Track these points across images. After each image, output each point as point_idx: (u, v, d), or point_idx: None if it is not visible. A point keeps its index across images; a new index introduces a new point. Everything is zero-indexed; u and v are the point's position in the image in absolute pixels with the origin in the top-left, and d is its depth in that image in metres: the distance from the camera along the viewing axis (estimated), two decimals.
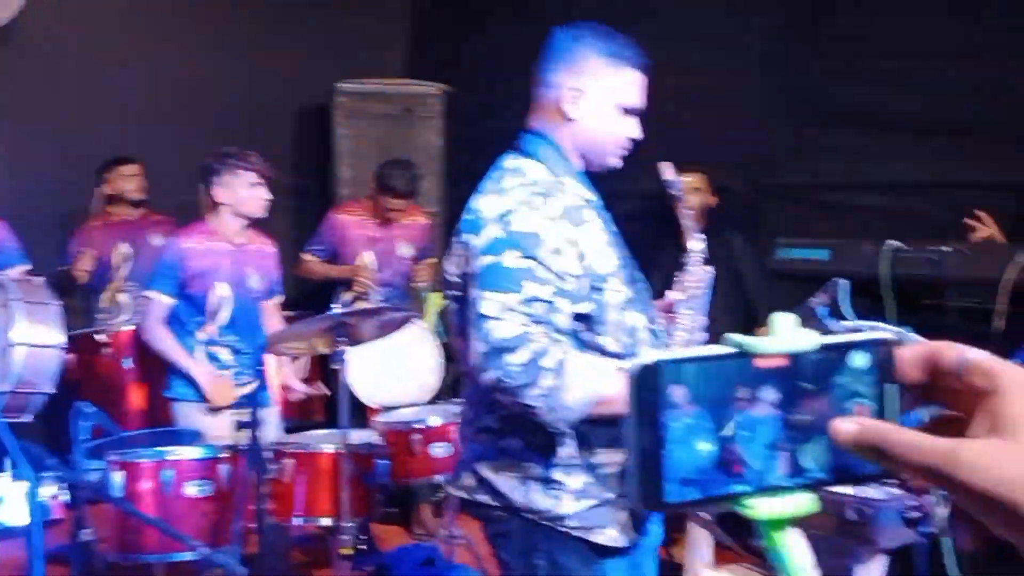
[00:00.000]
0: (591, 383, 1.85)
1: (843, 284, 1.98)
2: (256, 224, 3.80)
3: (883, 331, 0.67)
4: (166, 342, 3.60)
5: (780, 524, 0.66)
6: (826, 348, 0.65)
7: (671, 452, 0.62)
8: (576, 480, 1.96)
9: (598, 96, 2.01)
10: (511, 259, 1.88)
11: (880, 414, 0.66)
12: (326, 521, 3.22)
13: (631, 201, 2.21)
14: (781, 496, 0.65)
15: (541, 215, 1.91)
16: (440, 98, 5.46)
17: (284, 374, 3.94)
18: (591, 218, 2.01)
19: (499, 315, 1.85)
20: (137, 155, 4.91)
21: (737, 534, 3.37)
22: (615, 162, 2.07)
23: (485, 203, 1.97)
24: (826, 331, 2.12)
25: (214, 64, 5.52)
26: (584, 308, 1.94)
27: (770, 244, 3.84)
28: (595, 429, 1.94)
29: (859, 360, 0.66)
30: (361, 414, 4.21)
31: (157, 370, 4.11)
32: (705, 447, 0.63)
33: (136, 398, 4.50)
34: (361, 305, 4.48)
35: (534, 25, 2.25)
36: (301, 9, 5.80)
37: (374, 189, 4.66)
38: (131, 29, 5.36)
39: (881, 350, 0.66)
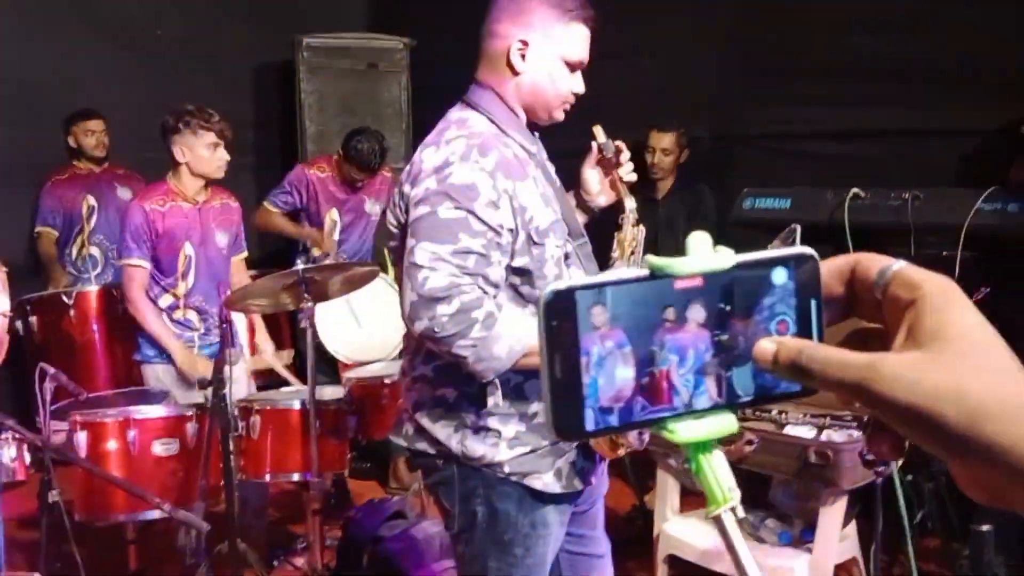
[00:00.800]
0: (519, 335, 1.88)
1: (797, 229, 1.99)
2: (222, 181, 3.76)
3: (801, 248, 0.66)
4: (147, 314, 3.56)
5: (705, 447, 0.67)
6: (744, 266, 0.64)
7: (590, 379, 0.61)
8: (510, 428, 1.99)
9: (544, 49, 2.00)
10: (446, 210, 1.89)
11: (802, 330, 0.66)
12: (297, 477, 3.23)
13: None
14: (704, 418, 0.65)
15: (478, 167, 1.91)
16: (404, 52, 5.40)
17: (259, 335, 3.93)
18: (532, 172, 2.01)
19: (431, 265, 1.87)
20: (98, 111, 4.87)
21: None
22: (559, 116, 2.06)
23: (426, 154, 1.97)
24: None
25: (175, 20, 5.43)
26: (521, 262, 1.96)
27: (734, 194, 3.86)
28: (529, 380, 1.98)
29: (779, 277, 0.66)
30: (334, 371, 4.22)
31: (125, 332, 4.10)
32: (627, 373, 0.62)
33: (105, 360, 4.50)
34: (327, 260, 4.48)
35: None
36: None
37: (340, 156, 4.62)
38: None
39: (801, 266, 0.65)
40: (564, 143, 2.28)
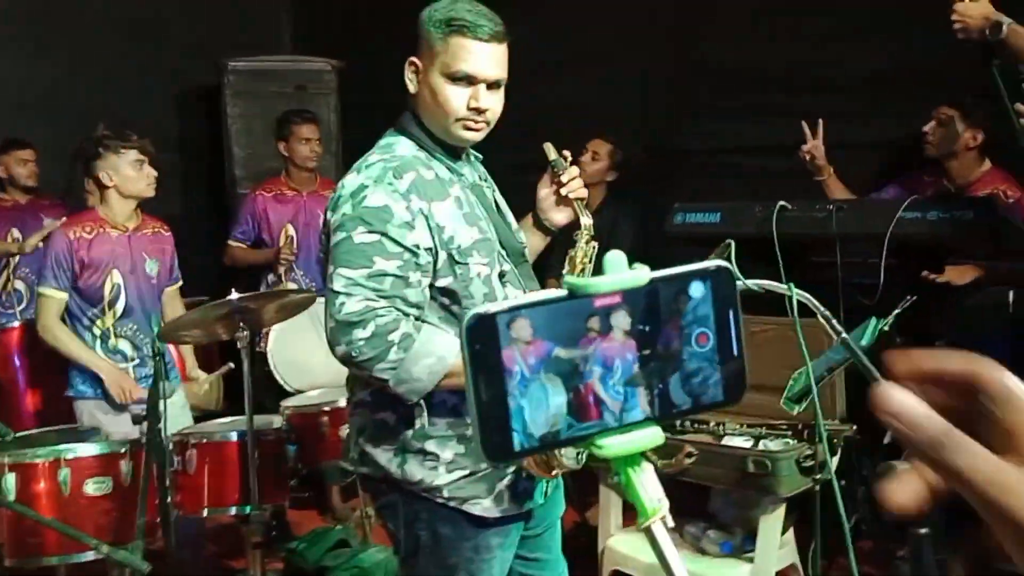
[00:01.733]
0: (440, 355, 1.90)
1: (731, 244, 2.03)
2: (147, 208, 3.69)
3: (715, 262, 0.68)
4: (65, 340, 3.48)
5: (632, 461, 0.68)
6: (659, 281, 0.66)
7: (515, 401, 0.62)
8: (448, 451, 2.00)
9: (428, 67, 2.00)
10: (360, 234, 1.91)
11: (722, 342, 0.68)
12: (235, 510, 3.17)
13: (533, 173, 2.22)
14: (630, 432, 0.67)
15: (391, 189, 1.93)
16: (333, 74, 5.38)
17: (190, 370, 3.86)
18: (456, 192, 2.02)
19: (347, 290, 1.89)
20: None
21: None
22: (468, 134, 2.03)
23: (347, 180, 2.00)
24: None
25: (98, 46, 5.31)
26: (445, 282, 1.97)
27: (665, 209, 3.92)
28: (465, 401, 1.96)
29: (697, 290, 0.67)
30: (277, 399, 4.16)
31: (52, 368, 3.97)
32: (554, 392, 0.63)
33: (30, 397, 4.37)
34: (285, 285, 4.44)
35: None
36: None
37: (279, 142, 4.63)
38: (15, 6, 5.13)
39: (717, 279, 0.68)
40: (513, 158, 2.29)
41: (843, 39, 4.12)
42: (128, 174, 3.46)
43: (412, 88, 2.04)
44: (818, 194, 3.76)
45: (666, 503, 0.68)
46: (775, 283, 2.08)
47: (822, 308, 1.92)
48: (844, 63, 4.12)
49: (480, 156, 2.19)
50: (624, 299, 0.65)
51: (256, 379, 3.18)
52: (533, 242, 2.22)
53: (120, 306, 3.54)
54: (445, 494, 2.01)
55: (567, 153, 2.16)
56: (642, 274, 0.65)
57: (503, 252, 2.06)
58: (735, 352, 0.68)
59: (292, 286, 4.44)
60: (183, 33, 5.53)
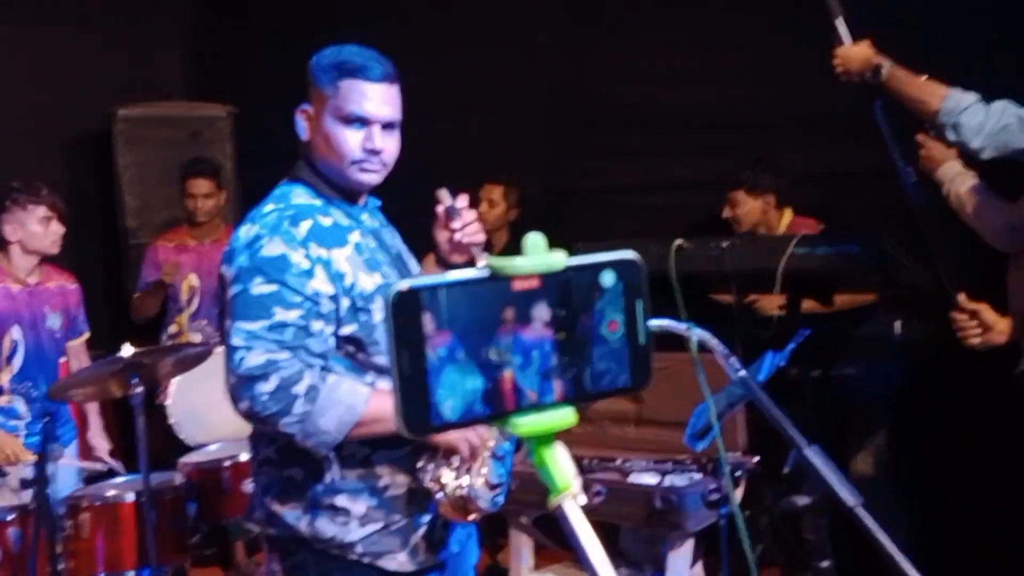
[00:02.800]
0: (349, 403, 1.85)
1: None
2: (51, 258, 3.58)
3: (625, 253, 0.72)
4: None
5: (546, 440, 0.70)
6: (575, 268, 0.69)
7: (436, 375, 0.64)
8: (360, 505, 1.95)
9: (319, 112, 1.98)
10: (257, 286, 1.86)
11: (629, 330, 0.71)
12: (133, 574, 3.04)
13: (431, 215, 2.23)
14: (545, 412, 0.68)
15: (289, 238, 1.89)
16: (228, 119, 5.29)
17: (92, 431, 3.71)
18: (356, 239, 1.99)
19: (247, 344, 1.84)
20: None
21: (556, 536, 3.46)
22: (364, 176, 1.99)
23: (242, 231, 1.95)
24: None
25: None
26: (349, 329, 1.93)
27: (569, 248, 3.97)
28: (377, 451, 1.94)
29: (608, 280, 0.70)
30: (178, 453, 4.02)
31: None
32: (472, 368, 0.65)
33: None
34: (187, 336, 4.32)
35: (320, 38, 2.23)
36: (70, 29, 5.45)
37: (183, 202, 4.55)
38: None
39: (626, 270, 0.71)
40: (411, 202, 2.31)
41: (736, 79, 4.25)
42: (34, 230, 3.40)
43: (305, 136, 2.01)
44: (713, 232, 3.86)
45: (578, 482, 0.71)
46: (674, 322, 2.12)
47: (720, 347, 1.96)
48: (737, 102, 4.25)
49: (379, 201, 2.16)
50: (543, 284, 0.67)
51: (155, 432, 3.08)
52: None
53: (17, 363, 3.44)
54: (359, 550, 1.95)
55: (463, 199, 2.13)
56: (559, 258, 0.69)
57: None
58: (642, 340, 0.72)
59: (196, 337, 4.33)
60: (70, 78, 5.36)
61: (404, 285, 0.64)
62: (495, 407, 0.67)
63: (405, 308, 0.63)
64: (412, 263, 2.18)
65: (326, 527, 1.94)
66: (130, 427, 3.59)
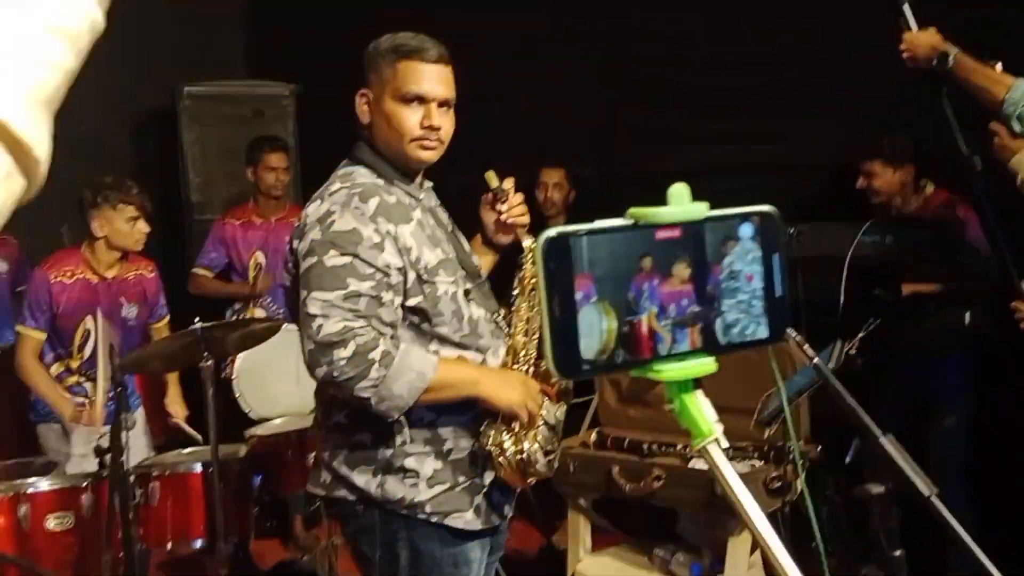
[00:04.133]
0: (419, 370, 1.95)
1: None
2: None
3: (764, 206, 0.72)
4: (36, 379, 3.51)
5: (686, 387, 0.72)
6: (715, 219, 0.70)
7: (583, 320, 0.65)
8: (428, 467, 2.05)
9: (379, 94, 2.08)
10: (331, 258, 1.96)
11: (767, 283, 0.71)
12: (200, 543, 3.11)
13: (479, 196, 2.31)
14: (685, 360, 0.70)
15: (359, 213, 1.99)
16: (291, 98, 5.34)
17: (170, 397, 3.83)
18: (417, 216, 2.09)
19: (324, 312, 1.93)
20: None
21: (614, 519, 3.47)
22: (423, 153, 2.09)
23: (311, 208, 2.04)
24: None
25: None
26: (415, 301, 2.03)
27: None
28: (441, 416, 2.05)
29: (746, 231, 0.71)
30: (240, 427, 4.10)
31: (6, 397, 3.91)
32: (611, 314, 0.67)
33: None
34: (252, 312, 4.40)
35: (381, 16, 2.27)
36: (137, 8, 5.53)
37: (248, 168, 4.62)
38: None
39: (764, 222, 0.72)
40: (462, 181, 2.37)
41: (797, 62, 4.19)
42: (120, 228, 3.49)
43: (365, 119, 2.12)
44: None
45: (720, 427, 0.73)
46: None
47: (793, 333, 1.96)
48: (797, 86, 4.20)
49: (431, 183, 2.25)
50: (683, 233, 0.69)
51: (219, 405, 3.14)
52: (484, 259, 2.30)
53: (88, 350, 3.56)
54: (428, 509, 2.05)
55: (509, 182, 2.24)
56: (700, 208, 0.70)
57: (463, 272, 2.13)
58: (779, 292, 0.72)
59: (260, 313, 4.41)
60: (136, 57, 5.44)
61: (553, 232, 0.66)
62: (633, 353, 0.69)
63: (555, 254, 0.66)
64: (464, 241, 2.26)
65: (396, 488, 2.03)
66: (196, 399, 3.71)
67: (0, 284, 4.12)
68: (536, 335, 2.19)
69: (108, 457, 2.82)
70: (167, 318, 3.86)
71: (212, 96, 5.25)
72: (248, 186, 4.71)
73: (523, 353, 2.15)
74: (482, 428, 2.06)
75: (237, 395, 3.83)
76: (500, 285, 2.30)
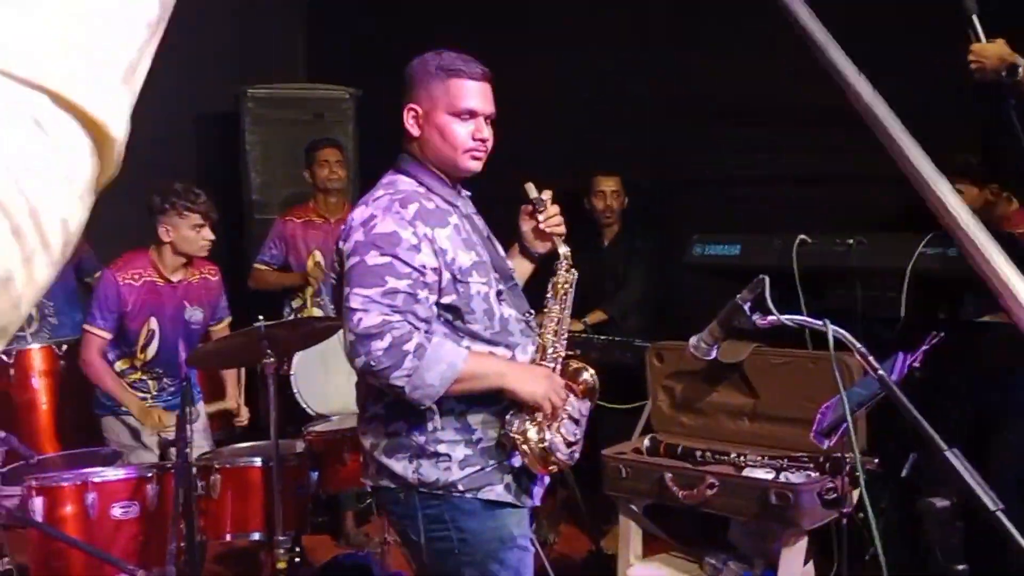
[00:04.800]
0: (450, 362, 2.11)
1: (766, 280, 2.09)
2: None
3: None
4: (102, 376, 3.60)
5: None
6: None
7: None
8: (459, 452, 2.19)
9: (430, 110, 2.23)
10: (372, 257, 2.12)
11: None
12: (257, 536, 3.18)
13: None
14: None
15: (399, 217, 2.15)
16: (351, 102, 5.43)
17: (232, 395, 3.96)
18: (454, 221, 2.24)
19: (364, 307, 2.09)
20: None
21: (665, 525, 3.47)
22: (474, 164, 2.26)
23: (356, 212, 2.22)
24: (752, 324, 2.18)
25: None
26: (449, 299, 2.18)
27: (681, 240, 3.95)
28: (472, 407, 2.20)
29: None
30: (296, 423, 4.18)
31: (71, 389, 4.02)
32: None
33: (49, 419, 4.37)
34: (310, 311, 4.51)
35: (437, 22, 2.34)
36: (201, 13, 5.66)
37: (306, 170, 4.75)
38: None
39: None
40: (501, 190, 2.49)
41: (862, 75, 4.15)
42: (186, 235, 3.58)
43: (415, 132, 2.26)
44: (832, 226, 3.79)
45: None
46: (810, 319, 2.12)
47: (859, 344, 1.96)
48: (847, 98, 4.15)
49: (468, 192, 2.39)
50: None
51: (278, 402, 3.20)
52: (521, 267, 2.44)
53: (152, 350, 3.67)
54: (461, 487, 2.19)
55: (547, 193, 2.39)
56: None
57: (496, 275, 2.27)
58: None
59: (317, 312, 4.49)
60: (199, 59, 5.57)
61: None
62: None
63: None
64: (499, 246, 2.39)
65: (430, 471, 2.19)
66: (256, 396, 3.79)
67: (65, 271, 4.23)
68: (565, 335, 2.35)
69: (172, 450, 2.88)
70: (228, 320, 3.95)
71: (274, 99, 5.36)
72: (307, 187, 4.80)
73: (551, 351, 2.31)
74: (507, 417, 2.21)
75: (295, 392, 3.91)
76: (534, 290, 2.44)
